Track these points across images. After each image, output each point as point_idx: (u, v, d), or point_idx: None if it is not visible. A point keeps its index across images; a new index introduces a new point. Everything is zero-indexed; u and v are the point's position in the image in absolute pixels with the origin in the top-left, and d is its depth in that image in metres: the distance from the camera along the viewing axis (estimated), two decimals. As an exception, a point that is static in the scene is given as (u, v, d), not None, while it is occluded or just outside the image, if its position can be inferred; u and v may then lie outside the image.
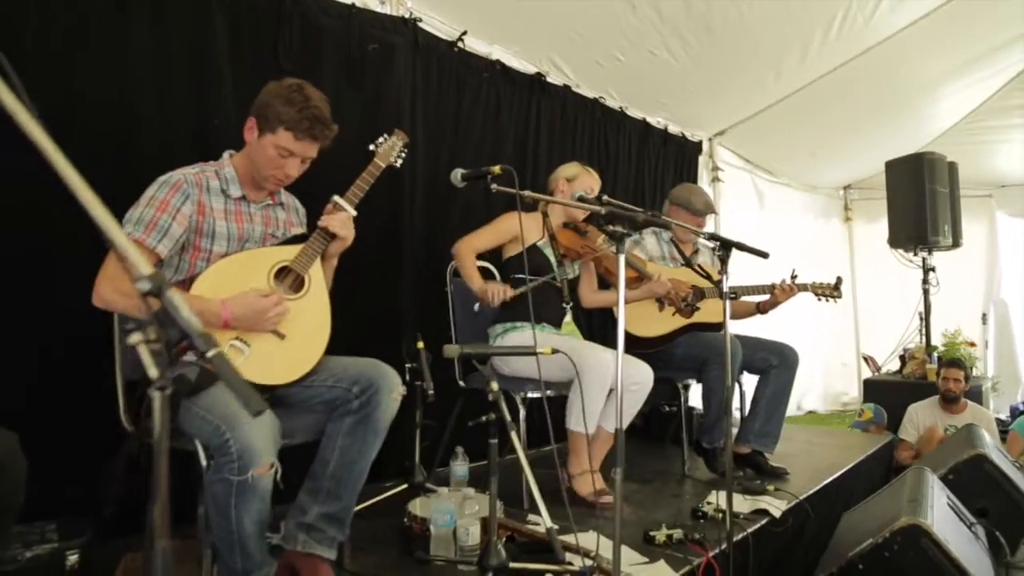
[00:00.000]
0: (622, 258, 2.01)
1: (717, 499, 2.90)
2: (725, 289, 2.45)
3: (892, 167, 5.78)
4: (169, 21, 2.54)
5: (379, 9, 3.21)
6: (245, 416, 1.72)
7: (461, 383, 3.05)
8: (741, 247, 2.45)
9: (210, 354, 0.92)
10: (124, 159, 2.38)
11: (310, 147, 2.07)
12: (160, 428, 0.95)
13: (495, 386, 2.08)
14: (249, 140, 2.10)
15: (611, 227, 2.00)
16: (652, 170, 5.02)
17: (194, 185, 2.01)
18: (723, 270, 2.45)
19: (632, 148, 4.84)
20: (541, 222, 3.11)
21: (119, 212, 2.00)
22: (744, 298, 3.60)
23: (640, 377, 2.88)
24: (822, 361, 7.10)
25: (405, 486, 2.92)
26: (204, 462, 1.84)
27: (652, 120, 5.05)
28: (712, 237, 2.45)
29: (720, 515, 2.76)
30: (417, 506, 2.52)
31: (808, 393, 7.00)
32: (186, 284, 1.99)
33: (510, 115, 3.89)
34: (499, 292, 2.77)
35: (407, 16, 3.30)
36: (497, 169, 2.25)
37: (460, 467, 2.79)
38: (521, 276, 3.02)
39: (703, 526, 2.70)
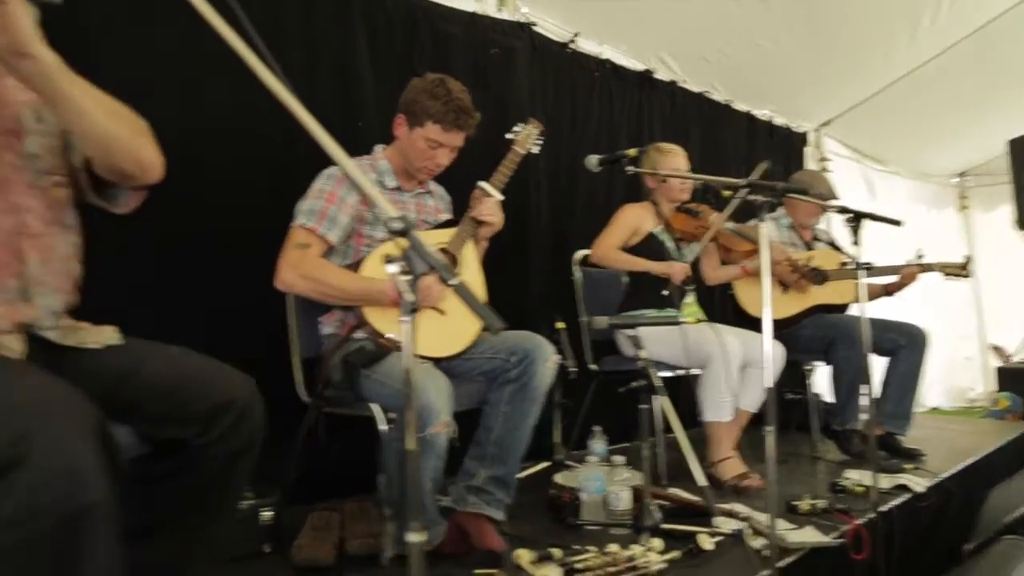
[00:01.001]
0: (763, 226, 2.08)
1: (857, 476, 2.90)
2: (860, 261, 2.47)
3: (1017, 145, 5.55)
4: (317, 35, 2.79)
5: (497, 15, 3.40)
6: (423, 379, 1.88)
7: (593, 366, 3.16)
8: (874, 217, 2.47)
9: (452, 282, 1.07)
10: (283, 159, 2.61)
11: (457, 136, 2.24)
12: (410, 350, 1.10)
13: (644, 354, 2.19)
14: (399, 135, 2.28)
15: (753, 197, 2.07)
16: (759, 163, 5.01)
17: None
18: (856, 241, 2.47)
19: (739, 142, 4.87)
20: (654, 211, 3.20)
21: (283, 202, 2.25)
22: (870, 280, 3.56)
23: (773, 353, 2.91)
24: (944, 356, 6.82)
25: (547, 464, 3.04)
26: (383, 425, 2.01)
27: (757, 113, 5.06)
28: (843, 210, 2.48)
29: (861, 489, 2.76)
30: (563, 478, 2.64)
31: (931, 389, 6.74)
32: (354, 268, 2.18)
33: (622, 111, 4.03)
34: (684, 269, 2.90)
35: (523, 21, 3.48)
36: (632, 152, 2.37)
37: (599, 445, 2.89)
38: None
39: (845, 499, 2.70)
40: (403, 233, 1.06)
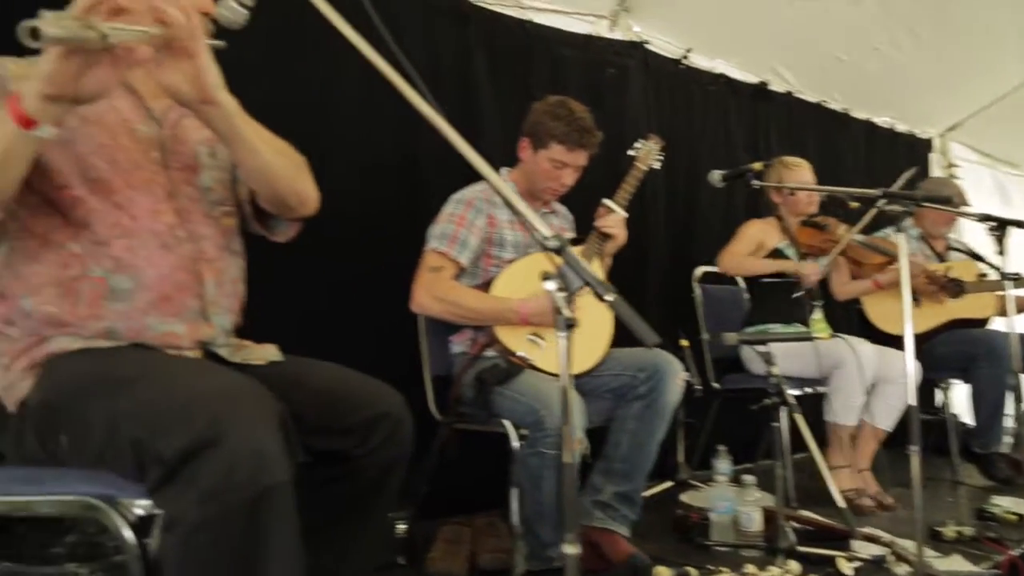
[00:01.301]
0: (901, 237, 2.00)
1: (1007, 502, 2.72)
2: (1006, 271, 2.34)
3: None
4: (438, 62, 2.90)
5: (610, 36, 3.44)
6: (557, 397, 1.91)
7: (716, 384, 3.11)
8: (1022, 224, 2.33)
9: (608, 298, 1.09)
10: (409, 183, 2.74)
11: (580, 156, 2.28)
12: (566, 364, 1.13)
13: (776, 370, 2.14)
14: (524, 158, 2.34)
15: (890, 207, 2.00)
16: (882, 172, 4.82)
17: (484, 201, 2.28)
18: (1001, 251, 2.34)
19: (860, 150, 4.71)
20: (778, 226, 3.14)
21: (411, 224, 2.35)
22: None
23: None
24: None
25: (670, 483, 3.00)
26: (515, 441, 2.05)
27: (877, 120, 4.87)
28: (987, 217, 2.36)
29: (1013, 517, 2.59)
30: (690, 497, 2.60)
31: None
32: (484, 288, 2.24)
33: (738, 125, 3.98)
34: (816, 270, 2.87)
35: (636, 40, 3.50)
36: (758, 166, 2.34)
37: (724, 464, 2.83)
38: (769, 281, 3.05)
39: (995, 527, 2.54)
40: (558, 251, 1.10)
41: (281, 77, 2.49)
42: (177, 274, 1.33)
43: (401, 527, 2.20)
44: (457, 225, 2.21)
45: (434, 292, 2.15)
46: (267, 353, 1.48)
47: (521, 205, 1.17)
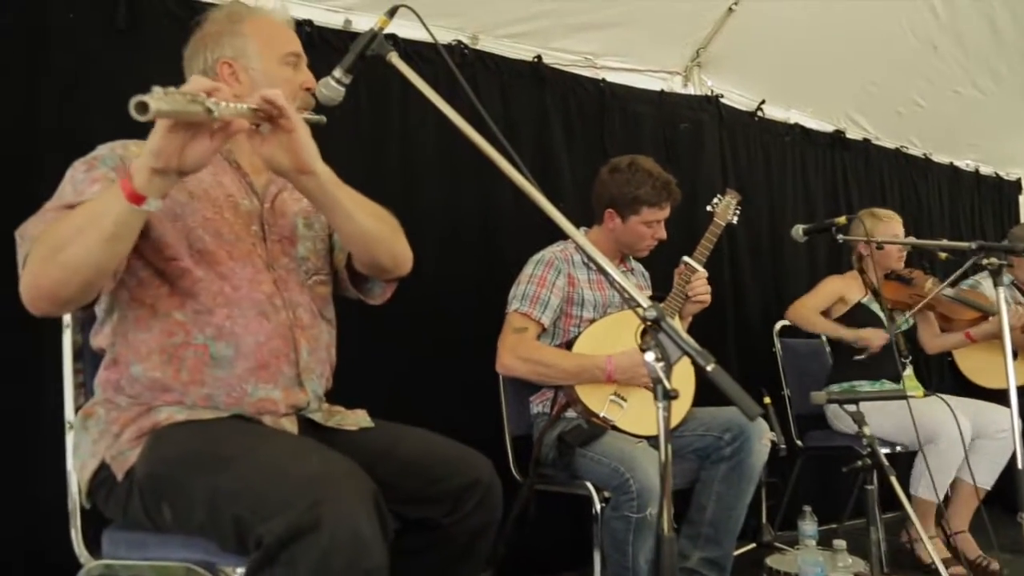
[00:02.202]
0: (1002, 291, 1.93)
1: None
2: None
3: None
4: (515, 123, 2.96)
5: (684, 91, 3.46)
6: (641, 459, 1.89)
7: (799, 442, 3.02)
8: None
9: (709, 368, 1.08)
10: (490, 245, 2.79)
11: (668, 208, 2.32)
12: (664, 436, 1.12)
13: (868, 430, 2.07)
14: (613, 227, 2.35)
15: (986, 260, 1.94)
16: (967, 217, 4.69)
17: (563, 261, 2.30)
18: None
19: (943, 195, 4.58)
20: (860, 280, 3.05)
21: (490, 287, 2.41)
22: None
23: (1006, 423, 2.66)
24: None
25: (753, 545, 2.90)
26: (598, 504, 2.02)
27: (960, 163, 4.74)
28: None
29: None
30: (775, 561, 2.50)
31: None
32: (565, 347, 2.25)
33: (816, 174, 3.94)
34: (879, 335, 2.80)
35: (709, 94, 3.52)
36: (842, 220, 2.30)
37: (809, 526, 2.72)
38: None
39: None
40: (655, 321, 1.10)
41: (364, 148, 2.59)
42: (274, 341, 1.38)
43: (483, 589, 2.18)
44: (538, 286, 2.23)
45: (519, 353, 2.17)
46: (358, 419, 1.51)
47: (614, 271, 1.18)
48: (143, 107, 0.94)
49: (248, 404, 1.35)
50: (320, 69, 1.41)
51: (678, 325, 2.28)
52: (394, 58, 1.33)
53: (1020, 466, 1.87)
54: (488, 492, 1.43)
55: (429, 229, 2.69)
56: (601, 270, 1.17)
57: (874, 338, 2.82)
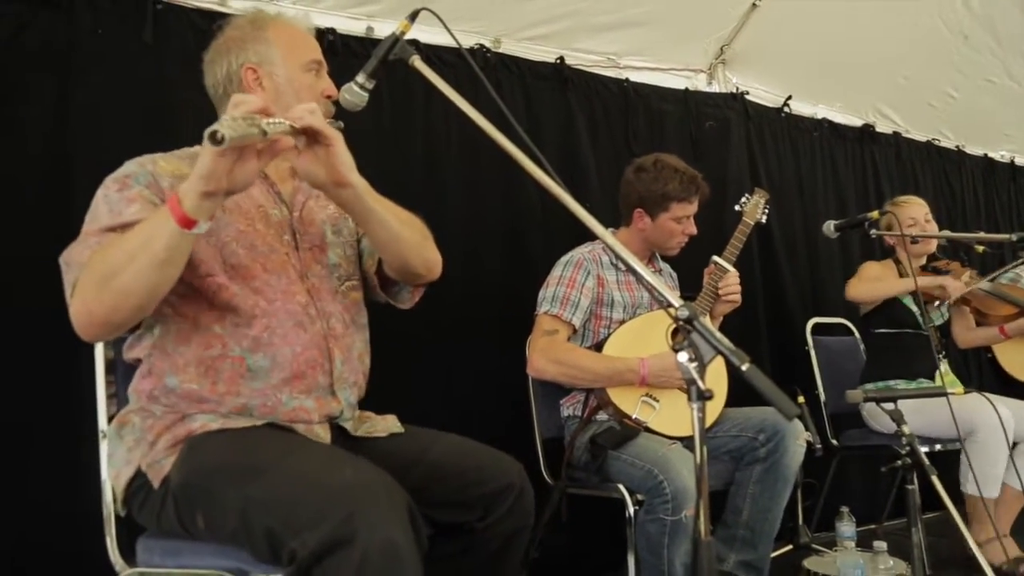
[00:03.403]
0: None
1: None
2: None
3: None
4: (540, 124, 2.94)
5: (709, 89, 3.43)
6: (676, 461, 1.87)
7: (835, 441, 2.96)
8: None
9: (744, 368, 1.06)
10: (516, 248, 2.77)
11: (696, 202, 2.31)
12: (699, 438, 1.10)
13: (907, 429, 2.02)
14: (642, 226, 2.34)
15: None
16: (1004, 209, 4.59)
17: (592, 262, 2.28)
18: None
19: (977, 187, 4.49)
20: (896, 270, 3.00)
21: (519, 290, 2.40)
22: None
23: (1054, 425, 2.59)
24: None
25: (789, 547, 2.86)
26: (631, 507, 2.00)
27: (994, 155, 4.64)
28: None
29: None
30: (812, 564, 2.45)
31: None
32: (595, 350, 2.22)
33: (846, 169, 3.88)
34: (956, 284, 2.77)
35: (735, 91, 3.48)
36: (875, 214, 2.26)
37: (847, 527, 2.67)
38: (882, 331, 2.92)
39: None
40: (688, 321, 1.08)
41: (387, 150, 2.59)
42: (309, 352, 1.38)
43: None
44: (568, 287, 2.21)
45: (551, 355, 2.16)
46: (388, 425, 1.51)
47: (646, 272, 1.16)
48: (217, 137, 0.96)
49: (282, 413, 1.35)
50: (342, 78, 1.40)
51: (707, 322, 2.26)
52: (417, 62, 1.33)
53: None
54: (520, 497, 1.43)
55: (455, 232, 2.68)
56: (631, 270, 1.16)
57: (953, 287, 2.76)
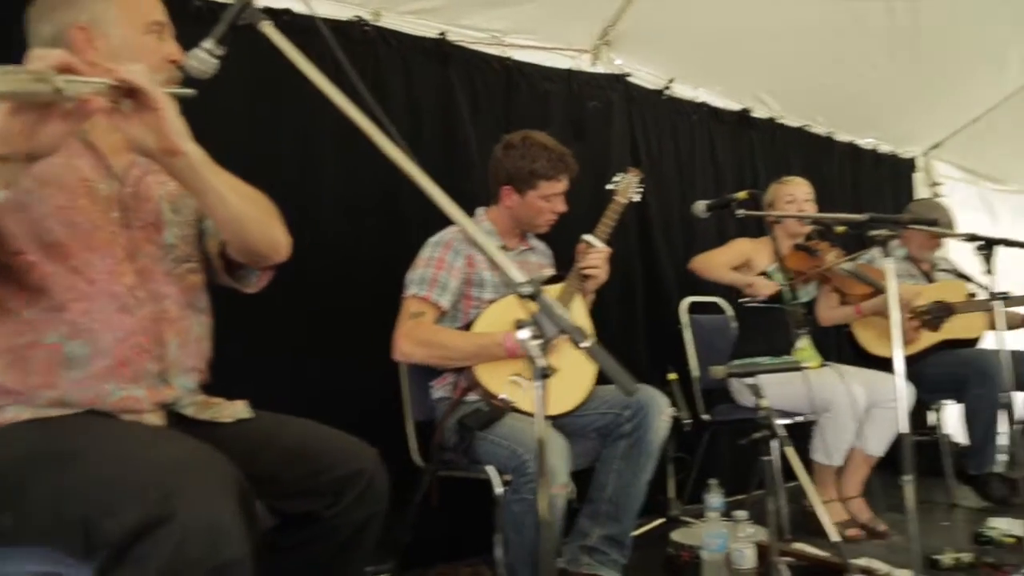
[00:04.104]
0: (889, 263, 1.98)
1: (1004, 524, 2.68)
2: (994, 290, 2.32)
3: None
4: (419, 100, 2.89)
5: (592, 69, 3.44)
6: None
7: (706, 416, 3.07)
8: (1008, 242, 2.32)
9: (585, 345, 1.06)
10: (389, 222, 2.70)
11: (566, 180, 2.30)
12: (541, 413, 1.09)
13: (765, 402, 2.10)
14: (511, 204, 2.32)
15: (875, 232, 1.98)
16: (867, 194, 4.85)
17: (462, 242, 2.25)
18: (988, 270, 2.32)
19: (844, 173, 4.73)
20: (771, 247, 3.10)
21: (391, 265, 2.34)
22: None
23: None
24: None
25: (662, 520, 2.95)
26: (498, 487, 2.00)
27: (861, 142, 4.89)
28: (974, 237, 2.34)
29: (1011, 540, 2.54)
30: (681, 535, 2.54)
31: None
32: (465, 329, 2.21)
33: (724, 152, 3.99)
34: (766, 284, 2.86)
35: (618, 73, 3.51)
36: (742, 195, 2.33)
37: (715, 499, 2.78)
38: (756, 306, 3.02)
39: (992, 551, 2.49)
40: (532, 297, 1.07)
41: (262, 124, 2.49)
42: (135, 337, 1.29)
43: (384, 580, 2.14)
44: (436, 268, 2.18)
45: (416, 337, 2.12)
46: (236, 410, 1.44)
47: (493, 249, 1.15)
48: None
49: (109, 405, 1.26)
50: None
51: (578, 303, 2.28)
52: (267, 28, 1.25)
53: (902, 429, 1.92)
54: (371, 483, 1.39)
55: (329, 210, 2.62)
56: (478, 247, 1.14)
57: (761, 287, 2.87)
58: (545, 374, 1.06)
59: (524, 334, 1.05)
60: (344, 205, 2.65)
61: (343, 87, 1.22)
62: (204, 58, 1.26)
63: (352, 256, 2.63)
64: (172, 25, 1.44)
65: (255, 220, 1.34)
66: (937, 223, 3.31)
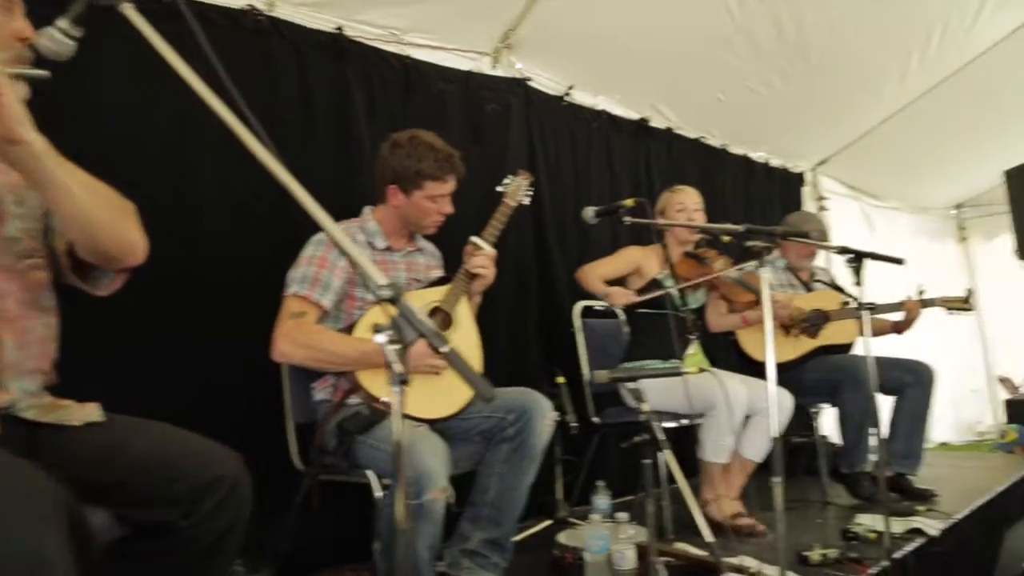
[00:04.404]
0: (764, 272, 2.06)
1: (869, 521, 2.83)
2: (863, 301, 2.45)
3: (1013, 176, 5.54)
4: (314, 98, 2.83)
5: (492, 72, 3.45)
6: (419, 443, 1.85)
7: (596, 419, 3.11)
8: (875, 256, 2.45)
9: (444, 350, 1.05)
10: (279, 223, 2.61)
11: (452, 181, 2.28)
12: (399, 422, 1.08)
13: (646, 406, 2.15)
14: (397, 204, 2.29)
15: (751, 242, 2.06)
16: (759, 205, 5.05)
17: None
18: (858, 281, 2.45)
19: (737, 184, 4.90)
20: (662, 254, 3.18)
21: (279, 264, 2.24)
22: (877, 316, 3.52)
23: (780, 402, 2.87)
24: (950, 390, 6.73)
25: (549, 522, 2.97)
26: (378, 492, 1.97)
27: (754, 155, 5.10)
28: (844, 250, 2.46)
29: (873, 535, 2.69)
30: (566, 537, 2.57)
31: (938, 424, 6.62)
32: (347, 331, 2.16)
33: (621, 160, 4.07)
34: (622, 294, 2.89)
35: (518, 77, 3.53)
36: (630, 202, 2.37)
37: (602, 500, 2.83)
38: (645, 311, 3.09)
39: (857, 546, 2.63)
40: (392, 300, 1.05)
41: (140, 113, 2.38)
42: None
43: (260, 587, 2.08)
44: (318, 267, 2.12)
45: (297, 339, 2.05)
46: (86, 413, 1.35)
47: (354, 251, 1.12)
48: None
49: None
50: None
51: (464, 305, 2.27)
52: (127, 10, 1.19)
53: (774, 433, 2.00)
54: (233, 490, 1.33)
55: (212, 206, 2.53)
56: (341, 249, 1.11)
57: (617, 296, 2.94)
58: (403, 380, 1.04)
59: (381, 338, 1.03)
60: (228, 200, 2.55)
61: (219, 78, 1.17)
62: (58, 38, 1.19)
63: (236, 254, 2.54)
64: (23, 2, 1.35)
65: (105, 220, 1.27)
66: (809, 235, 3.49)
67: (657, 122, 4.34)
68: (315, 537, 2.28)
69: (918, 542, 2.67)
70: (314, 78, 2.84)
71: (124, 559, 1.29)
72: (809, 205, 5.63)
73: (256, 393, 2.33)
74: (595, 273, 3.08)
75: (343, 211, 2.36)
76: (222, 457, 1.35)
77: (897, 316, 3.48)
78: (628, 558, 2.31)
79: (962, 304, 3.52)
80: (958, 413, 6.95)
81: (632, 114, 4.20)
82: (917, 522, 2.84)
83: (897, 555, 2.47)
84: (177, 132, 2.46)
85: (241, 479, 1.36)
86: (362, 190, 2.76)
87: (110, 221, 1.28)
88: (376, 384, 2.05)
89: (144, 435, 1.34)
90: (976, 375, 7.19)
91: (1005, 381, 6.08)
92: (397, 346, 1.05)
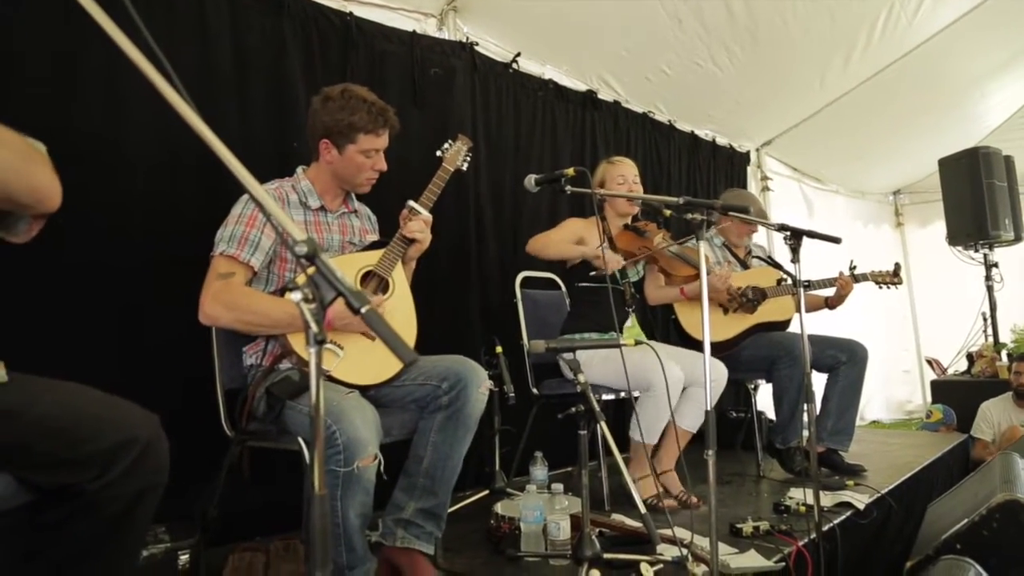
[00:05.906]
0: (703, 245, 2.04)
1: (800, 494, 2.89)
2: (800, 278, 2.47)
3: (946, 164, 5.73)
4: (249, 55, 2.71)
5: (438, 35, 3.37)
6: (349, 410, 1.79)
7: (535, 390, 3.10)
8: (812, 234, 2.47)
9: (363, 310, 0.99)
10: (212, 180, 2.50)
11: (386, 135, 2.20)
12: (316, 383, 1.02)
13: (582, 378, 2.12)
14: (330, 159, 2.20)
15: (690, 215, 2.04)
16: (704, 182, 5.08)
17: (277, 199, 2.12)
18: (795, 259, 2.47)
19: (683, 161, 4.92)
20: (600, 227, 3.15)
21: (209, 226, 2.14)
22: (811, 292, 3.58)
23: (715, 374, 2.90)
24: (882, 370, 6.99)
25: (486, 492, 2.96)
26: (308, 459, 1.91)
27: (700, 132, 5.11)
28: (783, 228, 2.47)
29: (803, 508, 2.74)
30: (502, 507, 2.55)
31: (870, 402, 6.89)
32: (279, 295, 2.08)
33: (566, 131, 4.02)
34: (616, 259, 2.86)
35: (464, 40, 3.44)
36: (571, 172, 2.32)
37: (540, 471, 2.82)
38: (584, 284, 3.07)
39: (788, 519, 2.68)
40: (309, 258, 0.99)
41: (60, 65, 2.23)
42: None
43: (184, 558, 1.99)
44: (247, 226, 2.03)
45: (224, 300, 1.96)
46: (-13, 373, 1.26)
47: (275, 209, 1.05)
48: None
49: None
50: None
51: (400, 270, 2.21)
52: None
53: (708, 408, 2.00)
54: (146, 452, 1.26)
55: (142, 160, 2.40)
56: (257, 204, 1.04)
57: (611, 261, 2.91)
58: (320, 340, 0.98)
59: (296, 296, 0.97)
60: (159, 156, 2.43)
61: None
62: None
63: (165, 208, 2.43)
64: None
65: (10, 166, 1.17)
66: (746, 212, 3.51)
67: (605, 95, 4.31)
68: (245, 505, 2.21)
69: (845, 515, 2.74)
70: (249, 33, 2.73)
71: (30, 526, 1.21)
72: (753, 184, 5.71)
73: (188, 356, 2.23)
74: (555, 239, 3.03)
75: (278, 174, 2.27)
76: (135, 418, 1.28)
77: (830, 291, 3.54)
78: (563, 528, 2.30)
79: (891, 278, 3.60)
80: (889, 393, 7.20)
81: (580, 85, 4.16)
82: (846, 496, 2.91)
83: (825, 527, 2.52)
84: (103, 80, 2.32)
85: (156, 442, 1.29)
86: (301, 154, 2.67)
87: (15, 168, 1.18)
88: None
89: (51, 395, 1.26)
90: (908, 357, 7.45)
91: (933, 363, 6.29)
92: (313, 305, 0.99)
